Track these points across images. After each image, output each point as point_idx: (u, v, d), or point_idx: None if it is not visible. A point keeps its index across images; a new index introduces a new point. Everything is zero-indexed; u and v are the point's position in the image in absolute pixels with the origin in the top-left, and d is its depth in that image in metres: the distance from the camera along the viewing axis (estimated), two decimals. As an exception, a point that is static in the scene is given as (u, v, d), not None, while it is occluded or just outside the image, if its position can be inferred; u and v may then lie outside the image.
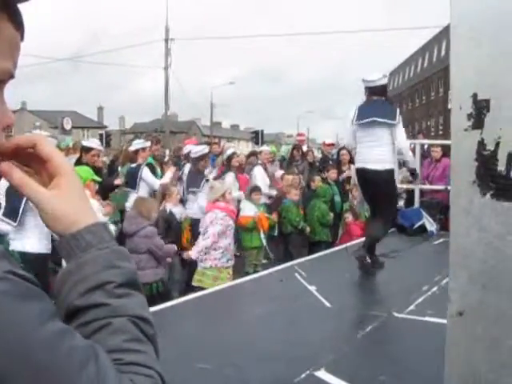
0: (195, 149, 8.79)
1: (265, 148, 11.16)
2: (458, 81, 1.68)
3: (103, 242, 0.90)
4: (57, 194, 0.88)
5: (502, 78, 1.59)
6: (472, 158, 1.63)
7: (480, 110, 1.61)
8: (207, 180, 8.03)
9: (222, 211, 6.73)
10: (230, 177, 8.85)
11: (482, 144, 1.61)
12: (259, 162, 10.23)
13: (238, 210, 8.33)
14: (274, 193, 9.58)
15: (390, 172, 6.11)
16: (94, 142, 8.33)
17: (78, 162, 7.53)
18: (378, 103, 6.19)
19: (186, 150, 9.45)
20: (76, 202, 0.90)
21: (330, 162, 10.83)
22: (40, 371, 0.67)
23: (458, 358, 1.75)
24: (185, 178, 8.50)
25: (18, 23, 0.86)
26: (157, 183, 7.76)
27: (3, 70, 0.85)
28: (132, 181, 7.85)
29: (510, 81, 1.58)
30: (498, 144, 1.59)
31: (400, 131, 6.09)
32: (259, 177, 9.60)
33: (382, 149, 6.08)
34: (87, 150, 7.69)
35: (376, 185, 6.36)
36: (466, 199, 1.67)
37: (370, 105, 6.20)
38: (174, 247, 6.33)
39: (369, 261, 6.14)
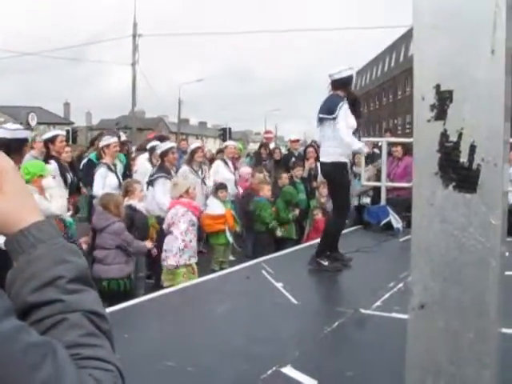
0: (160, 144, 8.80)
1: (230, 143, 11.11)
2: (420, 71, 1.68)
3: (51, 238, 0.90)
4: None
5: (465, 69, 1.58)
6: (435, 149, 1.63)
7: (443, 101, 1.60)
8: (161, 176, 7.95)
9: (184, 207, 6.68)
10: (184, 171, 8.85)
11: (444, 135, 1.60)
12: (224, 157, 10.25)
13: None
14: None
15: (337, 165, 6.08)
16: (54, 131, 8.22)
17: (47, 157, 7.42)
18: (327, 99, 6.22)
19: (149, 146, 9.43)
20: (19, 202, 0.89)
21: (293, 159, 10.83)
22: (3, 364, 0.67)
23: (420, 350, 1.75)
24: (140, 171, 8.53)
25: None
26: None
27: None
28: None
29: (473, 71, 1.57)
30: (460, 135, 1.59)
31: (340, 124, 5.97)
32: (217, 169, 9.66)
33: (329, 143, 6.13)
34: (52, 140, 7.57)
35: (326, 177, 6.58)
36: (428, 191, 1.66)
37: (323, 101, 6.25)
38: (146, 245, 6.23)
39: (325, 263, 6.10)
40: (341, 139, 5.98)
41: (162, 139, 10.38)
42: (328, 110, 6.06)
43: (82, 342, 0.83)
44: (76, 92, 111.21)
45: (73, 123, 51.19)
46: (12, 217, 0.88)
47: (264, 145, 11.66)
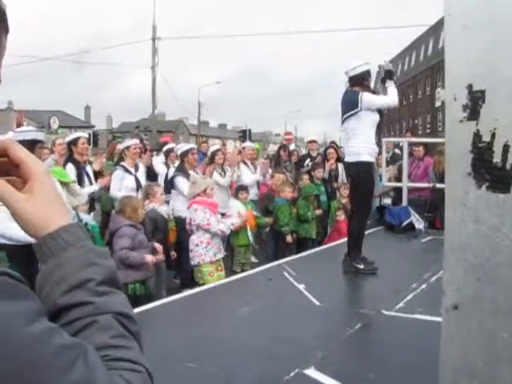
0: (178, 146, 8.94)
1: (248, 144, 11.08)
2: (452, 71, 1.65)
3: (80, 241, 0.90)
4: (28, 197, 0.89)
5: (497, 68, 1.56)
6: (467, 150, 1.60)
7: (475, 101, 1.58)
8: (179, 175, 7.99)
9: (200, 205, 6.71)
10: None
11: (477, 135, 1.58)
12: (244, 159, 10.27)
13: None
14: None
15: (361, 164, 5.93)
16: (76, 133, 8.30)
17: (68, 159, 7.48)
18: (344, 96, 6.11)
19: (165, 149, 9.50)
20: (48, 205, 0.90)
21: (309, 159, 10.78)
22: (27, 370, 0.67)
23: (453, 351, 1.72)
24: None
25: (7, 31, 0.88)
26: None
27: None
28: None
29: (506, 71, 1.55)
30: (493, 135, 1.57)
31: (370, 103, 5.86)
32: (242, 172, 9.69)
33: (353, 141, 6.00)
34: (74, 142, 7.62)
35: (350, 178, 6.39)
36: (461, 191, 1.64)
37: (341, 99, 6.13)
38: (145, 257, 5.88)
39: (361, 266, 5.99)
40: (367, 131, 5.90)
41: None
42: (349, 105, 5.95)
43: (112, 344, 0.83)
44: (97, 95, 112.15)
45: (94, 126, 51.60)
46: (42, 220, 0.89)
47: (283, 146, 11.62)
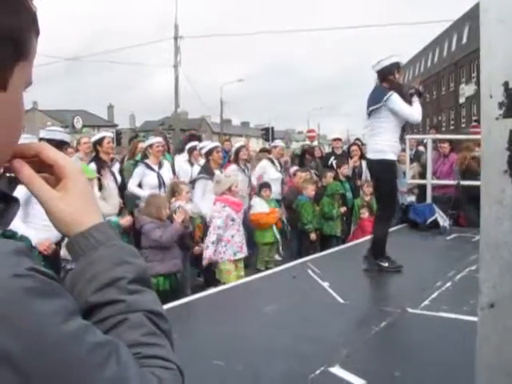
0: (202, 144, 9.14)
1: (279, 143, 11.10)
2: (487, 68, 1.64)
3: (111, 240, 0.92)
4: (62, 196, 0.91)
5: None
6: (503, 148, 1.59)
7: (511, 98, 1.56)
8: (202, 178, 8.05)
9: (222, 203, 6.72)
10: (232, 170, 8.91)
11: (513, 133, 1.57)
12: (271, 156, 10.29)
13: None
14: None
15: (384, 163, 5.88)
16: (101, 133, 8.41)
17: (94, 159, 7.57)
18: (373, 90, 6.05)
19: (188, 147, 9.52)
20: (81, 203, 0.92)
21: (333, 157, 10.76)
22: (62, 368, 0.68)
23: (490, 350, 1.71)
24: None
25: (38, 33, 0.88)
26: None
27: (30, 81, 0.89)
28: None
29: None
30: (530, 133, 1.55)
31: (394, 105, 5.78)
32: (264, 168, 9.71)
33: (378, 138, 5.92)
34: (100, 141, 7.70)
35: (373, 176, 6.40)
36: (497, 189, 1.63)
37: (369, 94, 6.07)
38: (175, 225, 6.19)
39: (385, 264, 5.97)
40: (392, 131, 5.86)
41: (194, 138, 10.50)
42: (375, 100, 5.89)
43: (144, 342, 0.84)
44: (119, 95, 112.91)
45: (117, 125, 51.97)
46: (74, 218, 0.91)
47: (307, 149, 11.62)
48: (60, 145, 5.57)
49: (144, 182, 7.87)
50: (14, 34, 0.81)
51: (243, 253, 6.82)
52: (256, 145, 36.26)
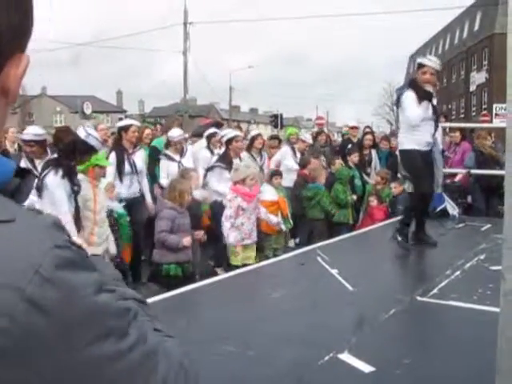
0: (223, 132, 9.14)
1: (307, 136, 11.20)
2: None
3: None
4: None
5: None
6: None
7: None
8: (217, 166, 8.14)
9: (234, 193, 6.90)
10: (244, 157, 8.96)
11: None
12: (291, 144, 10.36)
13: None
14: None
15: (405, 152, 6.39)
16: (129, 120, 8.51)
17: (116, 145, 7.66)
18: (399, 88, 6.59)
19: (207, 133, 9.50)
20: None
21: (350, 145, 10.74)
22: (100, 328, 0.74)
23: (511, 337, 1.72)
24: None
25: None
26: None
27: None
28: None
29: None
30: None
31: (403, 101, 6.17)
32: (285, 155, 9.75)
33: (401, 131, 6.50)
34: (126, 128, 7.74)
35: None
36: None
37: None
38: (182, 242, 6.17)
39: (399, 238, 6.36)
40: (407, 124, 6.21)
41: (218, 125, 10.51)
42: (396, 99, 6.42)
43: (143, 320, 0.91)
44: (128, 80, 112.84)
45: (126, 111, 52.04)
46: None
47: (320, 132, 11.61)
48: (88, 150, 5.67)
49: (168, 172, 8.09)
50: (26, 31, 0.83)
51: (251, 239, 7.04)
52: (264, 131, 36.19)
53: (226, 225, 6.91)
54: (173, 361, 0.84)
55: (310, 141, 10.85)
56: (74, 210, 5.48)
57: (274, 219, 7.55)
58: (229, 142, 8.43)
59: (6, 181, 0.81)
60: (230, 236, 6.90)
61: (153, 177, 8.37)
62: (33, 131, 7.07)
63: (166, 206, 6.27)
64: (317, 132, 11.80)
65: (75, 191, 5.52)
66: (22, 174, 0.88)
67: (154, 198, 7.76)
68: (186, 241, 6.20)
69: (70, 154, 5.59)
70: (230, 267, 6.79)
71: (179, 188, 6.34)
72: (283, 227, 8.33)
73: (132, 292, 1.00)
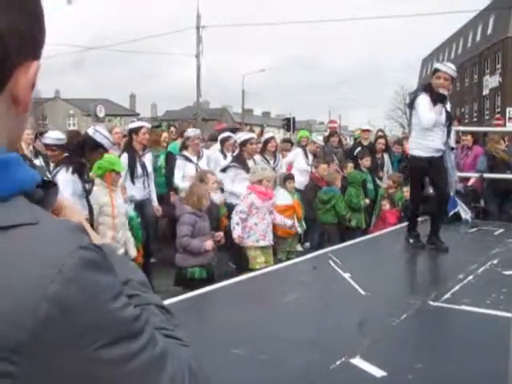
0: (239, 135, 9.21)
1: (319, 138, 11.14)
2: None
3: (114, 251, 1.05)
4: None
5: None
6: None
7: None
8: (232, 166, 8.16)
9: (249, 190, 7.01)
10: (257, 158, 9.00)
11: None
12: (304, 147, 10.34)
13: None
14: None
15: (412, 159, 6.54)
16: (139, 122, 8.58)
17: (127, 147, 7.69)
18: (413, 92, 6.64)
19: (220, 137, 9.52)
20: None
21: (359, 148, 10.71)
22: (116, 331, 0.76)
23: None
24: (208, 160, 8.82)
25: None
26: None
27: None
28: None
29: None
30: None
31: (417, 105, 6.16)
32: (297, 156, 9.75)
33: (412, 135, 6.55)
34: (137, 130, 7.78)
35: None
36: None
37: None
38: (203, 246, 6.26)
39: (410, 240, 6.56)
40: (419, 128, 6.21)
41: (234, 131, 10.56)
42: (410, 102, 6.47)
43: (162, 326, 0.93)
44: (141, 84, 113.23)
45: (138, 114, 52.21)
46: None
47: (334, 134, 11.55)
48: (96, 147, 5.73)
49: (184, 174, 8.11)
50: (40, 38, 0.85)
51: (266, 241, 7.04)
52: (277, 135, 36.18)
53: (234, 218, 6.95)
54: (182, 364, 0.86)
55: (322, 142, 10.79)
56: (87, 213, 5.49)
57: (289, 222, 7.58)
58: (243, 144, 8.47)
59: (28, 191, 0.82)
60: (236, 230, 6.92)
61: (170, 181, 8.39)
62: (54, 135, 7.20)
63: (185, 211, 6.34)
64: (329, 134, 11.77)
65: (87, 190, 5.54)
66: (47, 185, 0.90)
67: (168, 203, 7.83)
68: (208, 245, 6.30)
69: (80, 150, 5.68)
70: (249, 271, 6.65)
71: (197, 192, 6.41)
72: (299, 229, 8.36)
73: (157, 299, 1.01)
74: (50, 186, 0.91)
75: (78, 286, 0.72)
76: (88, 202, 5.58)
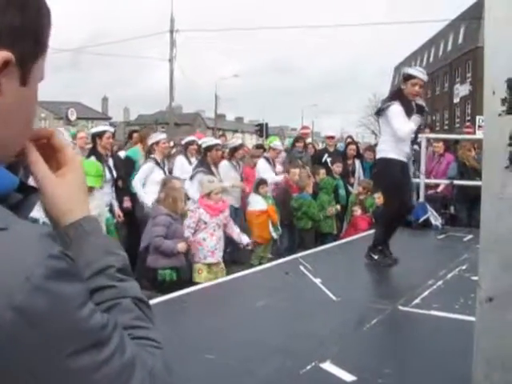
0: (202, 140, 9.08)
1: (277, 144, 10.74)
2: (491, 65, 1.65)
3: (97, 231, 0.99)
4: (60, 181, 0.96)
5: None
6: (505, 143, 1.61)
7: (514, 95, 1.58)
8: (200, 171, 8.03)
9: (197, 204, 6.77)
10: (225, 166, 8.94)
11: (516, 129, 1.58)
12: (265, 154, 10.11)
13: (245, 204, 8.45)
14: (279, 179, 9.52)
15: (383, 160, 6.10)
16: (102, 126, 8.42)
17: (93, 152, 7.54)
18: (383, 100, 6.42)
19: (184, 142, 9.50)
20: (75, 193, 0.98)
21: (326, 155, 10.75)
22: (82, 340, 0.75)
23: (487, 344, 1.72)
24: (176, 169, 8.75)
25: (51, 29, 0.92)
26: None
27: (43, 75, 0.93)
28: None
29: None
30: (532, 129, 1.57)
31: (390, 115, 5.90)
32: (263, 169, 9.53)
33: (381, 138, 6.33)
34: (100, 134, 7.68)
35: (374, 173, 7.05)
36: (498, 185, 1.65)
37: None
38: (176, 247, 6.14)
39: (375, 257, 6.11)
40: (391, 137, 6.01)
41: None
42: (382, 104, 6.22)
43: (135, 325, 0.91)
44: (114, 88, 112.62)
45: (110, 118, 51.84)
46: (64, 204, 0.96)
47: (299, 138, 11.49)
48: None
49: (150, 178, 7.80)
50: (37, 30, 0.86)
51: (214, 258, 6.62)
52: (250, 141, 36.26)
53: (185, 233, 6.51)
54: (147, 371, 0.84)
55: (281, 147, 10.62)
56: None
57: (246, 239, 7.15)
58: (208, 149, 8.40)
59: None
60: (194, 254, 6.59)
61: (127, 187, 8.06)
62: None
63: (161, 212, 6.27)
64: (294, 139, 11.74)
65: None
66: (27, 190, 0.89)
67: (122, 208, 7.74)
68: (181, 246, 6.16)
69: None
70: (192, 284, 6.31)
71: (173, 195, 6.34)
72: (274, 235, 8.35)
73: (135, 290, 0.97)
74: (30, 191, 0.90)
75: (45, 295, 0.71)
76: None
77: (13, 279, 0.69)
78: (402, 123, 5.84)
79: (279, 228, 8.55)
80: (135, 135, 9.87)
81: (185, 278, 6.38)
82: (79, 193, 0.98)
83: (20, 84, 0.84)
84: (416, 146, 11.32)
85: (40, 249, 0.73)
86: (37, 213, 0.97)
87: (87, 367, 0.75)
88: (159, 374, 0.86)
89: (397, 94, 6.20)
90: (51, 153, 1.00)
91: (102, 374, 0.76)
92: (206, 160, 8.30)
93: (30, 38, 0.84)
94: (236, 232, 7.04)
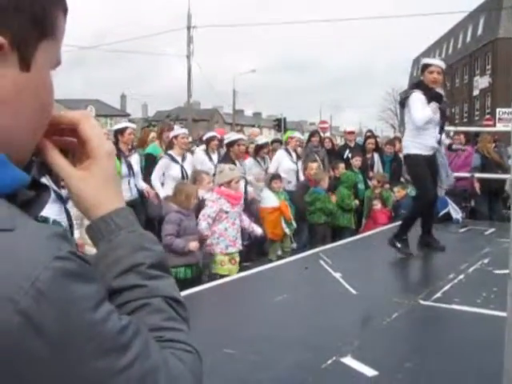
0: (227, 135, 9.19)
1: (296, 134, 10.80)
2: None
3: (131, 225, 0.93)
4: (84, 176, 0.92)
5: None
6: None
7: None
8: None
9: (218, 194, 6.62)
10: (249, 163, 9.01)
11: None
12: (288, 147, 10.11)
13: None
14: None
15: (409, 157, 6.28)
16: (124, 123, 8.47)
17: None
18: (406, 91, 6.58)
19: (205, 137, 9.50)
20: (101, 186, 0.92)
21: (348, 150, 10.69)
22: (97, 345, 0.71)
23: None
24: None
25: (66, 11, 0.88)
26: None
27: (59, 60, 0.89)
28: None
29: None
30: None
31: (409, 103, 6.04)
32: (281, 157, 9.62)
33: (406, 134, 6.35)
34: (122, 131, 7.73)
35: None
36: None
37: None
38: (187, 246, 6.03)
39: (398, 245, 6.15)
40: (413, 127, 6.09)
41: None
42: (402, 101, 6.42)
43: (165, 326, 0.86)
44: (133, 84, 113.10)
45: (129, 115, 52.10)
46: (91, 199, 0.92)
47: (315, 133, 11.45)
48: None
49: (167, 174, 7.87)
50: (36, 11, 0.80)
51: (236, 247, 6.64)
52: (268, 135, 36.21)
53: (201, 224, 6.43)
54: (171, 379, 0.80)
55: (301, 136, 10.75)
56: (65, 218, 5.13)
57: (259, 231, 7.14)
58: (230, 144, 8.42)
59: (7, 191, 0.76)
60: (214, 245, 6.53)
61: (148, 183, 8.07)
62: None
63: (172, 209, 6.19)
64: (310, 133, 11.69)
65: (63, 198, 5.12)
66: (39, 187, 0.85)
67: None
68: (192, 246, 6.04)
69: None
70: (212, 276, 6.46)
71: (186, 191, 6.26)
72: (287, 231, 8.33)
73: (168, 288, 0.93)
74: (43, 189, 0.85)
75: (52, 299, 0.67)
76: (66, 210, 5.29)
77: (18, 283, 0.66)
78: (419, 110, 5.92)
79: (293, 223, 8.52)
80: (152, 133, 9.95)
81: (199, 273, 6.31)
82: (107, 185, 0.93)
83: (20, 69, 0.79)
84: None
85: (46, 251, 0.69)
86: (48, 210, 0.94)
87: (105, 372, 0.71)
88: (184, 382, 0.82)
89: (417, 84, 6.34)
90: (80, 140, 0.94)
91: (122, 379, 0.72)
92: (229, 155, 8.34)
93: (24, 18, 0.78)
94: (247, 221, 7.02)
